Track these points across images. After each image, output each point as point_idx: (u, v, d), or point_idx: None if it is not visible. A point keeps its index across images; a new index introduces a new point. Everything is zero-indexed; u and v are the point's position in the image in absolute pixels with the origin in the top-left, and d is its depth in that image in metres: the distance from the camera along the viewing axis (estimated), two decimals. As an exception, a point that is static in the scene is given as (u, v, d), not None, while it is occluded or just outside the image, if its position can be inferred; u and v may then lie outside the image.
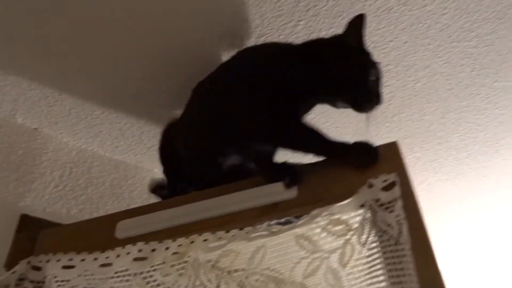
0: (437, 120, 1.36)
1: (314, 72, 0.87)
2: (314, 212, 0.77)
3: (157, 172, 1.43)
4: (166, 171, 1.06)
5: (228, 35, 1.02)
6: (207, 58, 1.06)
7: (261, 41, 1.04)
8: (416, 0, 0.97)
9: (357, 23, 0.86)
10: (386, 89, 1.19)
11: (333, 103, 0.90)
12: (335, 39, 0.90)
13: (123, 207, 1.33)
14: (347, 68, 0.86)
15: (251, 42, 1.04)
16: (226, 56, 1.02)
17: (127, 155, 1.38)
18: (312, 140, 0.83)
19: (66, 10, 0.94)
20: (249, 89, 0.88)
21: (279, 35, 1.04)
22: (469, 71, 1.18)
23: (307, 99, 0.90)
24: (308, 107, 0.92)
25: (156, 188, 1.06)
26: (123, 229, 0.91)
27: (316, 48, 0.89)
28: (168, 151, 1.07)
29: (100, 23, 0.97)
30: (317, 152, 0.82)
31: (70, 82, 1.13)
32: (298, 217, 0.82)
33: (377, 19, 1.00)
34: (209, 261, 0.78)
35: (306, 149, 0.83)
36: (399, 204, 0.73)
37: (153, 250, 0.82)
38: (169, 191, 1.03)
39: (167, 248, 0.79)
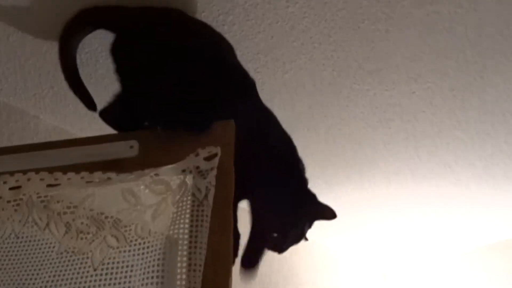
0: (305, 111, 1.51)
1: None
2: (144, 171, 0.88)
3: (43, 118, 1.48)
4: None
5: None
6: None
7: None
8: (280, 1, 1.09)
9: (329, 216, 1.04)
10: (258, 76, 1.31)
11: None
12: (311, 195, 1.05)
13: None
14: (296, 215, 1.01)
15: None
16: None
17: (11, 99, 1.41)
18: None
19: None
20: None
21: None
22: (331, 70, 1.32)
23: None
24: None
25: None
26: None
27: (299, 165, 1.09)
28: None
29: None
30: None
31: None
32: (134, 175, 0.93)
33: (245, 11, 1.12)
34: (42, 201, 0.87)
35: None
36: (213, 173, 0.86)
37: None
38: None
39: (5, 182, 0.88)
